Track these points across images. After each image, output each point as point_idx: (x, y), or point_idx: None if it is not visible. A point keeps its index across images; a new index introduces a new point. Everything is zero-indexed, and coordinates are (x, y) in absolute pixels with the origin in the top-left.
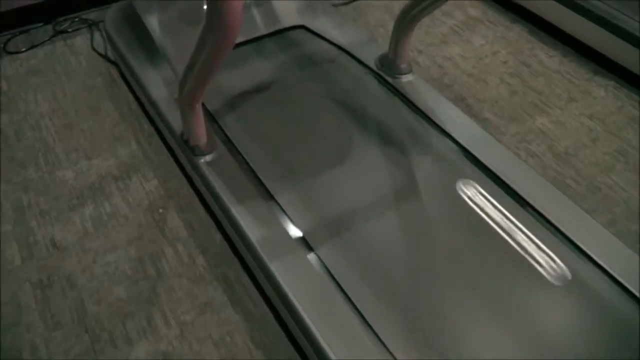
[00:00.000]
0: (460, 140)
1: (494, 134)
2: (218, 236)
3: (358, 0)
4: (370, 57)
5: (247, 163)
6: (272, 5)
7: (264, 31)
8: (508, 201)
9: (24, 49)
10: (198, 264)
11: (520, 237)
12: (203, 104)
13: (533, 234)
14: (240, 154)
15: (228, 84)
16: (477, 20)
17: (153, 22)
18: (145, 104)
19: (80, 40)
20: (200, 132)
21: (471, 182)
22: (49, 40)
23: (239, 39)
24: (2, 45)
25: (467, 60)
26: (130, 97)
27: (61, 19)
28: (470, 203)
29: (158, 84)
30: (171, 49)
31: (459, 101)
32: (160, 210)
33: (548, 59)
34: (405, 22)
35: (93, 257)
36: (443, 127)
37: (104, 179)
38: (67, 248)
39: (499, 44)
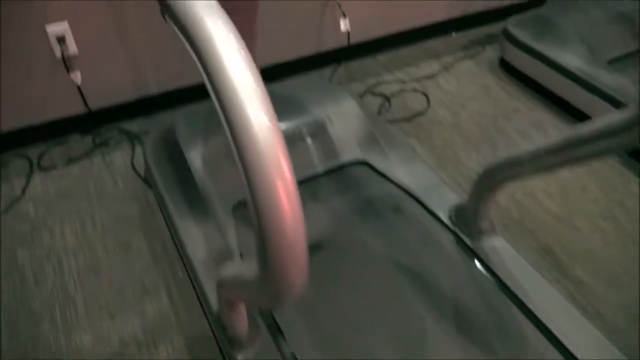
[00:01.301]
0: (554, 330)
1: (592, 302)
2: None
3: (423, 117)
4: (443, 206)
5: None
6: (330, 136)
7: (319, 169)
8: None
9: (59, 165)
10: None
11: None
12: None
13: None
14: (288, 346)
15: None
16: None
17: (195, 158)
18: (180, 254)
19: (120, 156)
20: (241, 324)
21: None
22: (86, 154)
23: None
24: (36, 160)
25: (552, 197)
26: (166, 232)
27: (102, 128)
28: None
29: (196, 239)
30: (214, 194)
31: (546, 254)
32: None
33: None
34: (490, 183)
35: None
36: (534, 310)
37: (126, 347)
38: None
39: (587, 176)
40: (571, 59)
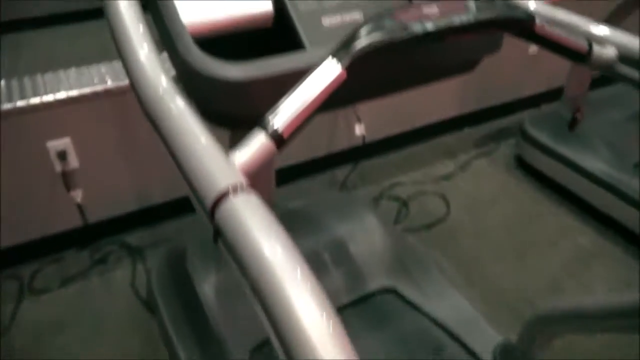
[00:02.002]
0: None
1: None
2: None
3: (444, 224)
4: (486, 346)
5: None
6: (354, 262)
7: (344, 299)
8: None
9: (52, 287)
10: None
11: None
12: None
13: None
14: None
15: None
16: (590, 253)
17: (208, 290)
18: None
19: (120, 274)
20: None
21: None
22: (82, 273)
23: None
24: (27, 281)
25: None
26: None
27: (101, 242)
28: None
29: None
30: (230, 334)
31: None
32: None
33: None
34: (547, 332)
35: None
36: None
37: None
38: None
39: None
40: (595, 162)
